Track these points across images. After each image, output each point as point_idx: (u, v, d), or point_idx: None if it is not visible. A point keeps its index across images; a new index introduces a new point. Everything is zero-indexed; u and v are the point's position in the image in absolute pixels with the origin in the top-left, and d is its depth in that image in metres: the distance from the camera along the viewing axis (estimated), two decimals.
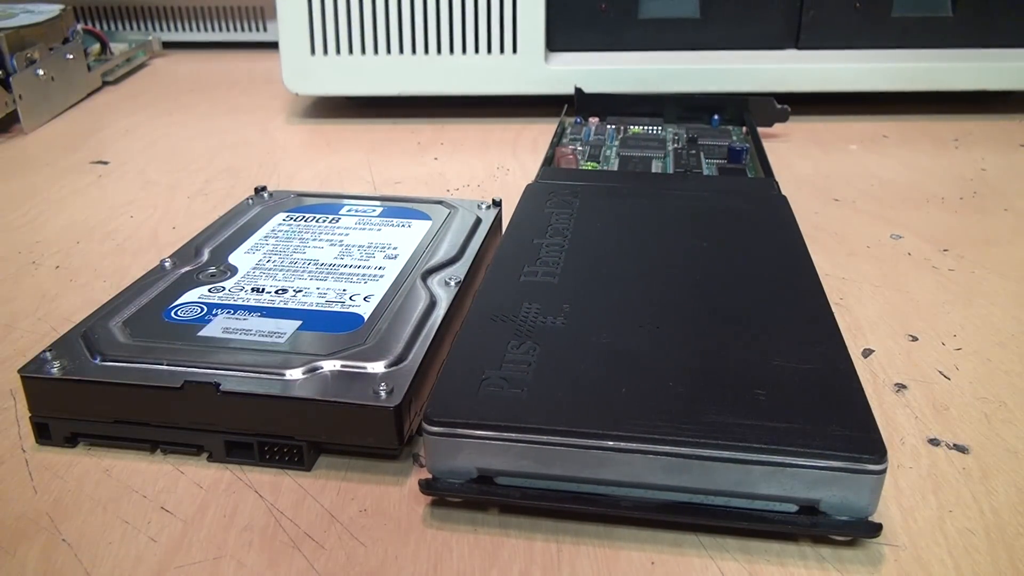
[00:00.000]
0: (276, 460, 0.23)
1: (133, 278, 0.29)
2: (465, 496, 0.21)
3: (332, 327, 0.25)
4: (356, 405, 0.22)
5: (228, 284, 0.27)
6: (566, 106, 0.48)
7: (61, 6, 0.59)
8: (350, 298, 0.26)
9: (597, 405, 0.21)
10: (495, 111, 0.54)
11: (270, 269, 0.28)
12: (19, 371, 0.23)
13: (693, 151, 0.42)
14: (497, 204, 0.34)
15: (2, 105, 0.50)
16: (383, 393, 0.22)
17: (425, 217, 0.32)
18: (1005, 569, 0.20)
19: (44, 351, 0.24)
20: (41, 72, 0.54)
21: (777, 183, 0.35)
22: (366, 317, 0.25)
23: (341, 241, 0.30)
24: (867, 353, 0.28)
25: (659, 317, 0.24)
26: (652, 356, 0.23)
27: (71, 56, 0.58)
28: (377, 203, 0.34)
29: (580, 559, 0.20)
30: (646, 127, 0.46)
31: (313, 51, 0.51)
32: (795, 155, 0.47)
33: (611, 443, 0.20)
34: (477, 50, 0.51)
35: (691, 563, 0.20)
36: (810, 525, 0.20)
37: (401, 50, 0.51)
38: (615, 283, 0.26)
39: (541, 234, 0.30)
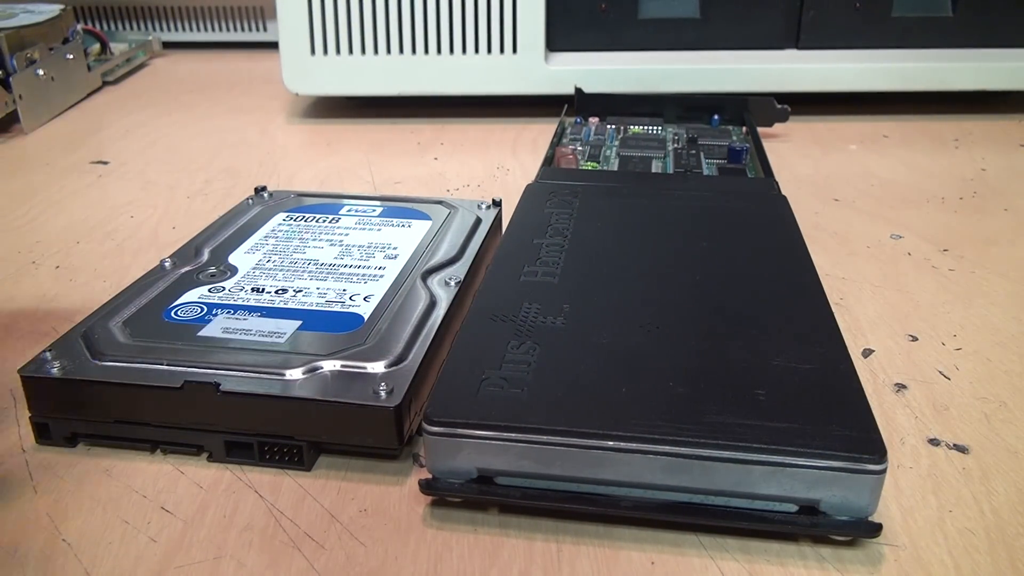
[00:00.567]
0: (276, 460, 0.23)
1: (133, 278, 0.29)
2: (465, 496, 0.21)
3: (332, 327, 0.25)
4: (356, 405, 0.22)
5: (228, 284, 0.27)
6: (566, 106, 0.48)
7: (61, 6, 0.59)
8: (350, 298, 0.26)
9: (597, 405, 0.21)
10: (495, 111, 0.54)
11: (270, 269, 0.28)
12: (19, 371, 0.23)
13: (693, 151, 0.42)
14: (497, 204, 0.34)
15: (2, 105, 0.50)
16: (383, 393, 0.22)
17: (425, 217, 0.32)
18: (1005, 569, 0.20)
19: (44, 351, 0.24)
20: (41, 72, 0.54)
21: (777, 183, 0.35)
22: (366, 317, 0.25)
23: (341, 241, 0.30)
24: (867, 353, 0.28)
25: (659, 317, 0.24)
26: (652, 356, 0.23)
27: (71, 56, 0.58)
28: (377, 203, 0.34)
29: (580, 559, 0.20)
30: (646, 127, 0.46)
31: (313, 51, 0.51)
32: (795, 155, 0.47)
33: (611, 443, 0.20)
34: (477, 50, 0.51)
35: (691, 563, 0.20)
36: (810, 525, 0.20)
37: (401, 50, 0.51)
38: (615, 283, 0.26)
39: (541, 234, 0.30)
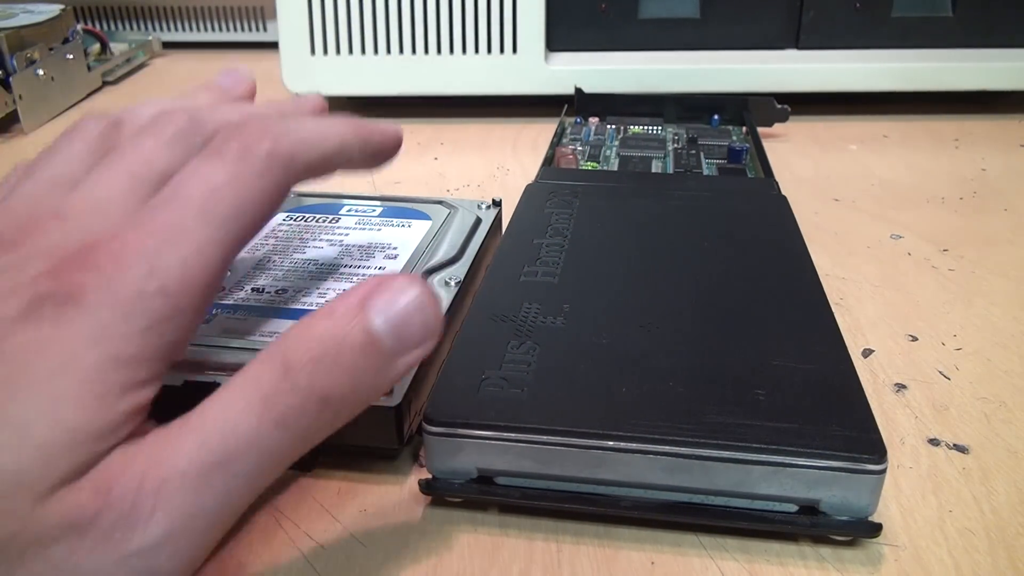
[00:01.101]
0: None
1: None
2: (465, 496, 0.21)
3: None
4: None
5: (228, 284, 0.27)
6: (566, 106, 0.48)
7: (61, 6, 0.59)
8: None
9: (597, 405, 0.21)
10: (495, 111, 0.54)
11: (270, 269, 0.28)
12: None
13: (693, 151, 0.42)
14: (497, 204, 0.34)
15: (2, 105, 0.50)
16: None
17: (425, 217, 0.32)
18: (1005, 569, 0.20)
19: None
20: (41, 72, 0.54)
21: (777, 183, 0.35)
22: None
23: (341, 241, 0.30)
24: (867, 353, 0.28)
25: (659, 317, 0.24)
26: (652, 356, 0.23)
27: (71, 56, 0.58)
28: (377, 203, 0.34)
29: (580, 559, 0.20)
30: (646, 127, 0.46)
31: (313, 51, 0.51)
32: (795, 155, 0.47)
33: (611, 443, 0.20)
34: (477, 50, 0.51)
35: (691, 563, 0.20)
36: (810, 525, 0.20)
37: (401, 50, 0.51)
38: (615, 283, 0.26)
39: (541, 234, 0.30)
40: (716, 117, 0.46)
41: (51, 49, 0.55)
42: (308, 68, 0.51)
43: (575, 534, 0.21)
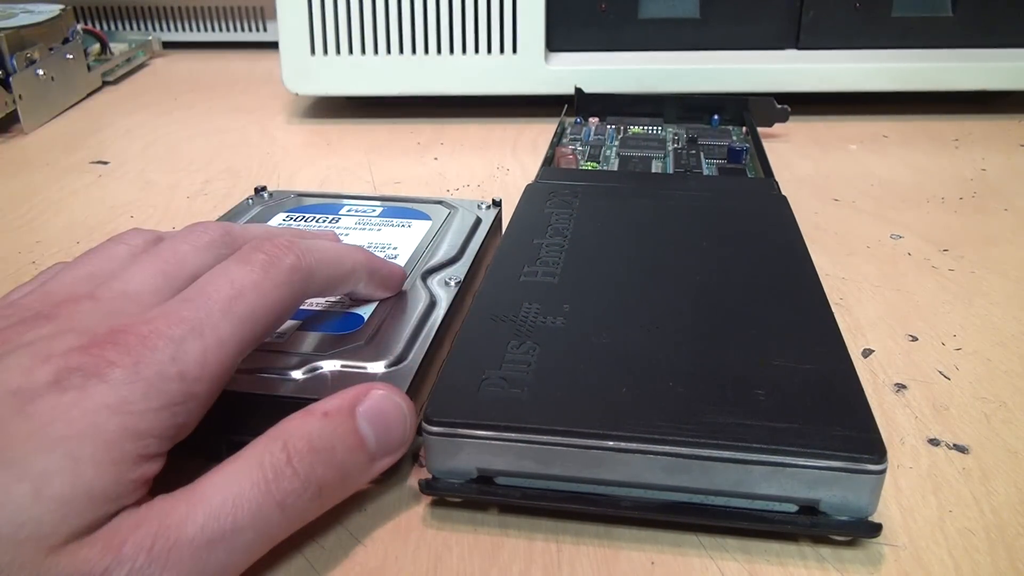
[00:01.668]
0: None
1: None
2: (465, 496, 0.21)
3: (332, 327, 0.25)
4: None
5: None
6: (566, 106, 0.48)
7: (61, 6, 0.59)
8: (350, 298, 0.26)
9: (597, 405, 0.21)
10: (495, 111, 0.54)
11: None
12: None
13: (693, 151, 0.42)
14: (497, 204, 0.34)
15: (2, 105, 0.50)
16: None
17: (425, 217, 0.32)
18: (1005, 569, 0.20)
19: None
20: (41, 72, 0.54)
21: (777, 183, 0.35)
22: (366, 317, 0.25)
23: (342, 241, 0.30)
24: (867, 353, 0.28)
25: (659, 317, 0.24)
26: (652, 356, 0.23)
27: (71, 56, 0.58)
28: (377, 203, 0.34)
29: (580, 559, 0.20)
30: (646, 127, 0.46)
31: (313, 51, 0.51)
32: (795, 155, 0.47)
33: (611, 443, 0.20)
34: (477, 50, 0.51)
35: (691, 563, 0.20)
36: (810, 525, 0.20)
37: (401, 50, 0.51)
38: (615, 283, 0.26)
39: (541, 234, 0.30)
40: (716, 117, 0.46)
41: (51, 49, 0.55)
42: (308, 68, 0.51)
43: (575, 534, 0.21)
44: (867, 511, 0.20)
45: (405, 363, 0.23)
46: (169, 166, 0.47)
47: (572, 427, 0.20)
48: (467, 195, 0.42)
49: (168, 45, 0.75)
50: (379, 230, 0.31)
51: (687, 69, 0.51)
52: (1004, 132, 0.50)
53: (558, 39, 0.52)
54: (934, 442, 0.24)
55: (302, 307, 0.26)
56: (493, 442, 0.20)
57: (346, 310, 0.26)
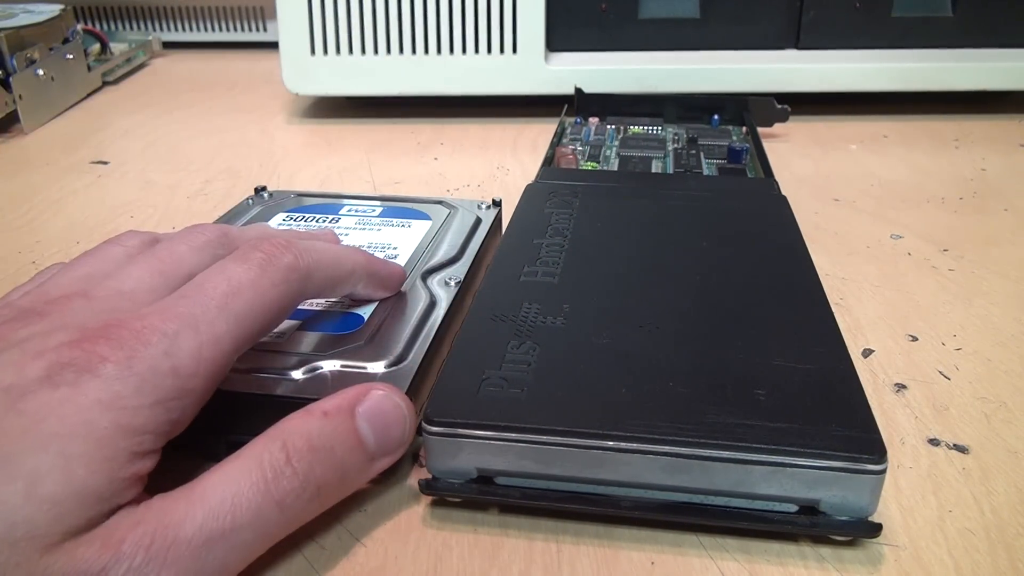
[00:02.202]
0: None
1: None
2: (465, 496, 0.21)
3: (332, 327, 0.25)
4: None
5: None
6: (566, 106, 0.48)
7: (61, 6, 0.59)
8: (350, 299, 0.26)
9: (597, 405, 0.21)
10: (495, 111, 0.54)
11: None
12: None
13: (693, 151, 0.42)
14: (497, 204, 0.34)
15: (2, 105, 0.50)
16: None
17: (425, 217, 0.32)
18: (1005, 569, 0.20)
19: None
20: (41, 72, 0.54)
21: (777, 183, 0.35)
22: (366, 317, 0.25)
23: (341, 241, 0.30)
24: (867, 353, 0.28)
25: (659, 317, 0.24)
26: (652, 356, 0.23)
27: (71, 56, 0.58)
28: (377, 203, 0.34)
29: (580, 559, 0.20)
30: (646, 127, 0.46)
31: (313, 51, 0.51)
32: (795, 155, 0.47)
33: (611, 443, 0.20)
34: (477, 50, 0.51)
35: (691, 563, 0.20)
36: (810, 525, 0.20)
37: (401, 50, 0.51)
38: (615, 283, 0.26)
39: (541, 234, 0.30)
40: (716, 117, 0.46)
41: (51, 49, 0.55)
42: (308, 68, 0.51)
43: (575, 534, 0.21)
44: (867, 511, 0.20)
45: (405, 363, 0.23)
46: (169, 166, 0.47)
47: (572, 427, 0.20)
48: (467, 195, 0.42)
49: (168, 45, 0.75)
50: (379, 230, 0.31)
51: (687, 69, 0.51)
52: (1004, 132, 0.50)
53: (558, 39, 0.52)
54: (934, 442, 0.24)
55: (302, 307, 0.26)
56: (493, 442, 0.20)
57: (346, 310, 0.26)
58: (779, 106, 0.47)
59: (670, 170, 0.40)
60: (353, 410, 0.20)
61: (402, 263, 0.29)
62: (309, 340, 0.24)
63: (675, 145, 0.43)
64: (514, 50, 0.51)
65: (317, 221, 0.32)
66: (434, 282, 0.28)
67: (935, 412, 0.25)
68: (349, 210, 0.33)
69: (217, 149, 0.50)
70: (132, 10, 0.74)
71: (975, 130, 0.51)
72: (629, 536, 0.21)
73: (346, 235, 0.31)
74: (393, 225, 0.32)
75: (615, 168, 0.40)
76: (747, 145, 0.41)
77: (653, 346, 0.23)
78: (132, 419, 0.17)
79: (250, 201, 0.34)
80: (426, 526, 0.21)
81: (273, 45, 0.53)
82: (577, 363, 0.22)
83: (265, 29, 0.75)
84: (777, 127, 0.49)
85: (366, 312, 0.26)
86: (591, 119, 0.47)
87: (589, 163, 0.41)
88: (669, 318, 0.24)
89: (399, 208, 0.33)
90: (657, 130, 0.45)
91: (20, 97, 0.51)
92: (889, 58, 0.51)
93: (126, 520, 0.17)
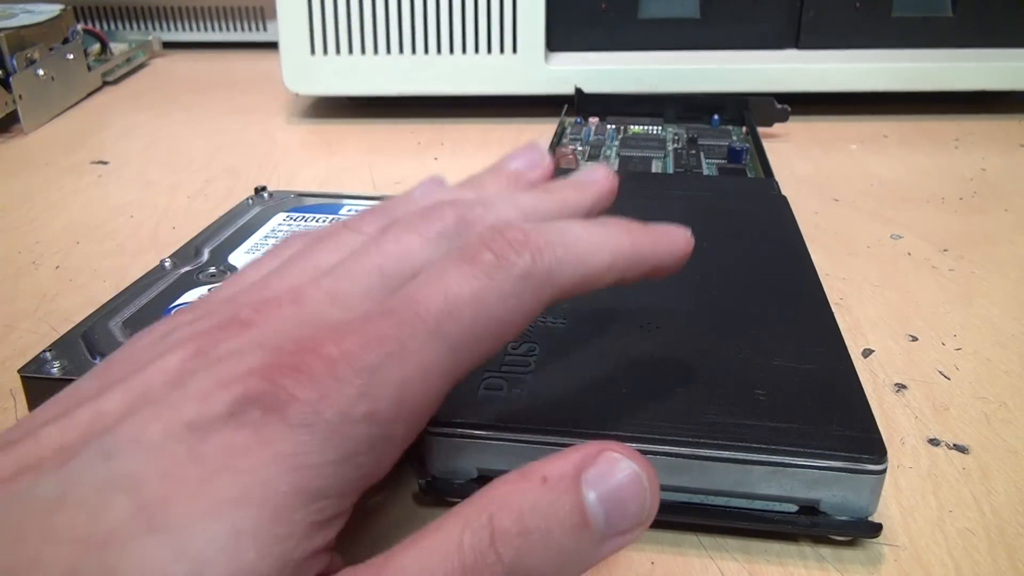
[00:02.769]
0: None
1: (133, 278, 0.29)
2: (465, 496, 0.21)
3: None
4: None
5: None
6: (566, 106, 0.48)
7: (61, 6, 0.59)
8: None
9: (597, 405, 0.21)
10: (495, 111, 0.54)
11: None
12: (19, 371, 0.23)
13: (693, 151, 0.42)
14: None
15: (2, 105, 0.50)
16: None
17: None
18: (1005, 569, 0.20)
19: (44, 351, 0.24)
20: (41, 72, 0.54)
21: (777, 183, 0.35)
22: None
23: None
24: (867, 353, 0.28)
25: (659, 317, 0.24)
26: (652, 356, 0.23)
27: (71, 56, 0.58)
28: (377, 203, 0.34)
29: None
30: (646, 127, 0.46)
31: (313, 51, 0.51)
32: (795, 155, 0.47)
33: None
34: (477, 50, 0.51)
35: (691, 563, 0.20)
36: (810, 525, 0.20)
37: (401, 50, 0.51)
38: None
39: None
40: (716, 117, 0.46)
41: (51, 49, 0.55)
42: (308, 68, 0.51)
43: None
44: (867, 511, 0.20)
45: None
46: (169, 166, 0.47)
47: (572, 427, 0.20)
48: None
49: (168, 45, 0.75)
50: None
51: (687, 69, 0.51)
52: (1004, 132, 0.50)
53: (558, 39, 0.52)
54: (934, 442, 0.24)
55: None
56: (493, 442, 0.20)
57: None
58: (779, 106, 0.47)
59: (670, 170, 0.40)
60: (579, 478, 0.15)
61: None
62: None
63: (675, 145, 0.43)
64: (514, 50, 0.51)
65: (317, 221, 0.32)
66: None
67: (935, 412, 0.25)
68: (349, 210, 0.33)
69: (217, 149, 0.50)
70: (132, 10, 0.74)
71: (975, 130, 0.51)
72: None
73: None
74: None
75: (615, 168, 0.40)
76: (747, 145, 0.41)
77: (653, 346, 0.23)
78: (313, 480, 0.14)
79: (250, 201, 0.34)
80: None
81: (273, 45, 0.53)
82: (577, 363, 0.22)
83: (265, 29, 0.75)
84: (777, 127, 0.49)
85: None
86: (591, 119, 0.47)
87: (589, 163, 0.41)
88: (669, 318, 0.24)
89: None
90: (657, 130, 0.45)
91: (20, 97, 0.51)
92: (889, 58, 0.51)
93: None
